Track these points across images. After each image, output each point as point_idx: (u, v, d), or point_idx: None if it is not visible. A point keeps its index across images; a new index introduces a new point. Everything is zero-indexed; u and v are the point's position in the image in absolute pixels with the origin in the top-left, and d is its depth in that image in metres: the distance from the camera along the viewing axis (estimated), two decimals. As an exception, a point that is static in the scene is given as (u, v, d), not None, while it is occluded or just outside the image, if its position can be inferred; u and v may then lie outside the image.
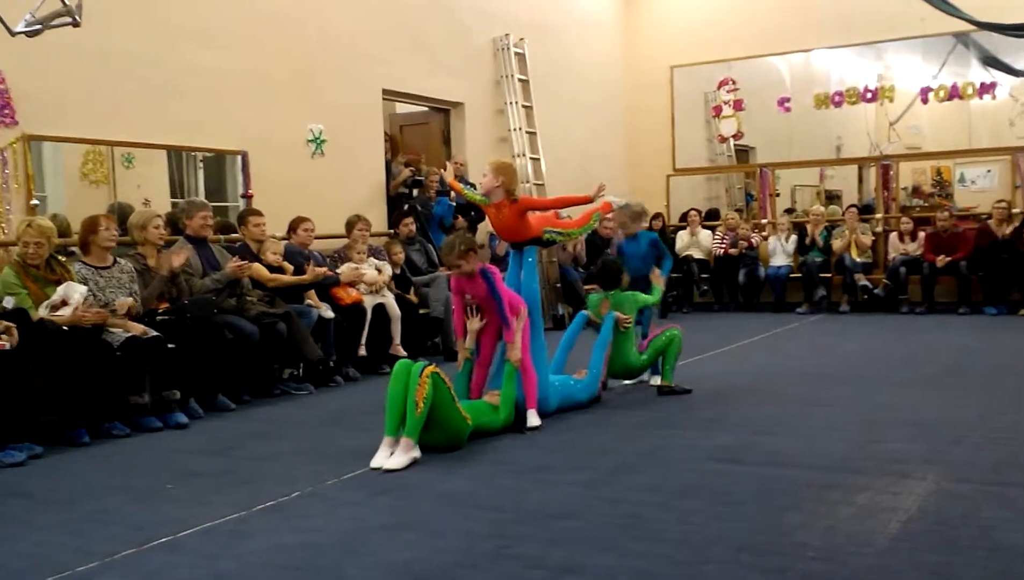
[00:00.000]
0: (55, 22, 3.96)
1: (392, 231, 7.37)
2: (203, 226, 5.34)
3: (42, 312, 4.25)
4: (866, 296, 9.12)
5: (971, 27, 8.24)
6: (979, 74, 9.45)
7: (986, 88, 9.41)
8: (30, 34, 3.97)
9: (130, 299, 4.63)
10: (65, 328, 4.20)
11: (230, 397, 5.04)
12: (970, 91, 9.46)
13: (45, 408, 4.19)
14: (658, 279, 5.18)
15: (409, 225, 7.14)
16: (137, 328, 4.55)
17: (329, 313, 5.76)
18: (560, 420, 4.39)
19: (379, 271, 6.30)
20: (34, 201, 5.15)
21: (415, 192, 7.69)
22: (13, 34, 3.95)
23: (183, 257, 4.94)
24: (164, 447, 4.18)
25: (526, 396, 4.29)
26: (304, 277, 5.66)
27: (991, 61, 9.34)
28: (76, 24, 3.99)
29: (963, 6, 6.95)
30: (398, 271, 6.69)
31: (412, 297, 6.65)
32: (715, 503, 3.03)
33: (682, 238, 10.12)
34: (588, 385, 4.72)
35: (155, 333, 4.58)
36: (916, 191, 10.34)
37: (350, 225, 6.49)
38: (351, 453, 3.83)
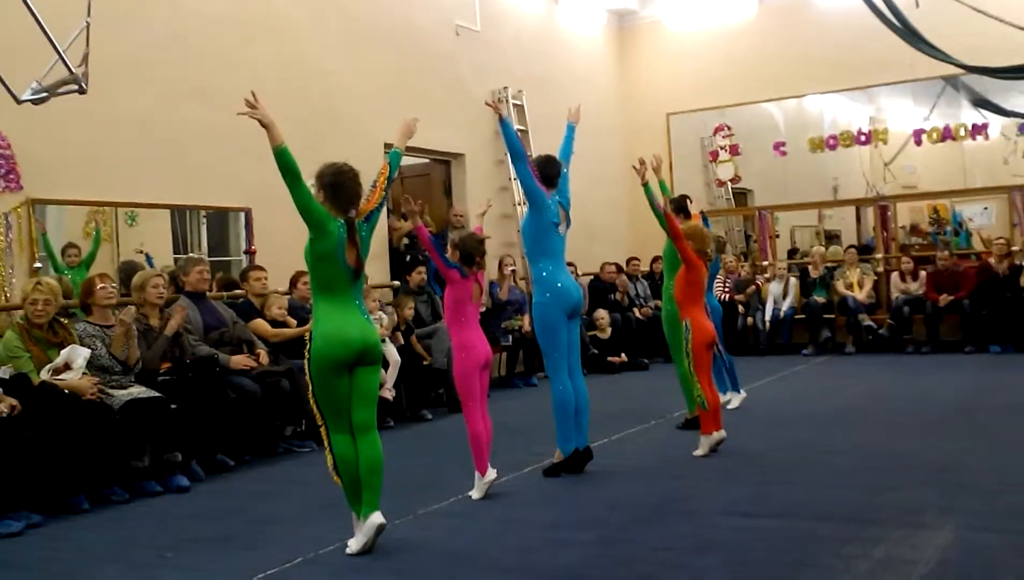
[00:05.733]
0: (61, 89, 4.02)
1: (396, 283, 7.36)
2: (200, 280, 5.36)
3: (44, 376, 4.23)
4: (871, 336, 9.07)
5: (960, 71, 8.37)
6: (970, 115, 9.55)
7: (978, 129, 9.50)
8: (36, 102, 4.03)
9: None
10: (66, 392, 4.17)
11: (231, 456, 4.97)
12: (962, 132, 9.55)
13: (45, 475, 4.12)
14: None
15: (421, 273, 7.07)
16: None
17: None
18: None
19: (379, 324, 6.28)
20: (37, 264, 5.17)
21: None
22: (19, 102, 4.01)
23: (177, 319, 4.92)
24: (164, 512, 4.11)
25: None
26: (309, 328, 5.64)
27: (981, 102, 9.45)
28: (82, 91, 4.05)
29: (951, 50, 7.06)
30: (406, 323, 6.63)
31: (419, 350, 6.60)
32: (730, 560, 2.96)
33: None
34: None
35: (156, 394, 4.54)
36: (915, 229, 10.38)
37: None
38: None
